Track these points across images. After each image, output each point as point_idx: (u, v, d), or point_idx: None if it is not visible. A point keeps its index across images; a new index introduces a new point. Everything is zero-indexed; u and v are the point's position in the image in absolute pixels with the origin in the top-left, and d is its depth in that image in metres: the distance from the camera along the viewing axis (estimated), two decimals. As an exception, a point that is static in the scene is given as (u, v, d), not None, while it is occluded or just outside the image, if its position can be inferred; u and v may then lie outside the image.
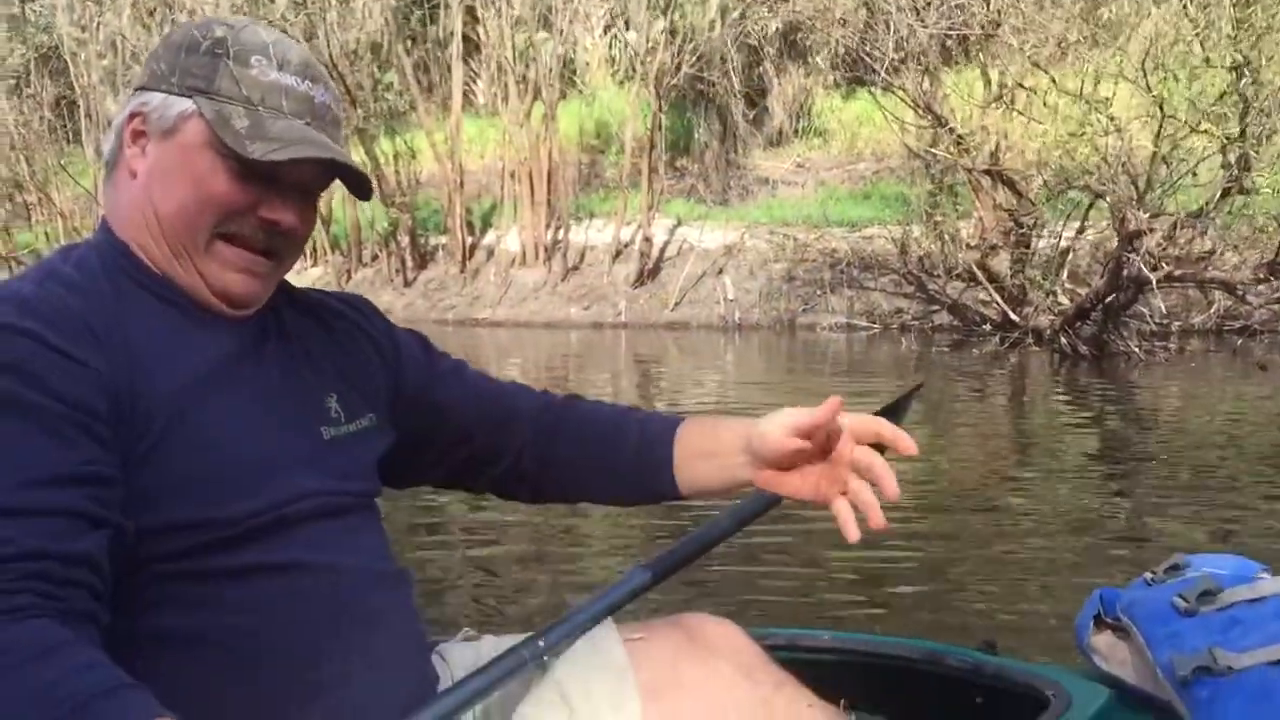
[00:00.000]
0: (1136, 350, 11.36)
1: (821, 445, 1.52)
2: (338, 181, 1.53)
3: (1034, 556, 4.42)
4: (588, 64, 19.87)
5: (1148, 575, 1.57)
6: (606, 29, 19.74)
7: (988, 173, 12.94)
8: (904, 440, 1.49)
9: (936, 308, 14.04)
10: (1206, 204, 10.82)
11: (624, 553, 4.38)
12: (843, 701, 1.65)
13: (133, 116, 1.45)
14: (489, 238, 17.68)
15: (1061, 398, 9.63)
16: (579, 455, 1.71)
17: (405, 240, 17.56)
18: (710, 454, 1.62)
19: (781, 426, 1.51)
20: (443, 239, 17.81)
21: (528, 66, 16.99)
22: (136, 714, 1.15)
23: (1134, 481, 6.04)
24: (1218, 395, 9.70)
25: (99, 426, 1.31)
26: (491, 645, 1.63)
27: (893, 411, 2.34)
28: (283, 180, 1.44)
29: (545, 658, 1.63)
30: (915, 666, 1.77)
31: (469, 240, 17.44)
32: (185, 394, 1.39)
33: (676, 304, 15.68)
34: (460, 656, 1.63)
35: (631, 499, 1.77)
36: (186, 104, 1.42)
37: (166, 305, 1.44)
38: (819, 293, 14.96)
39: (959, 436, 7.49)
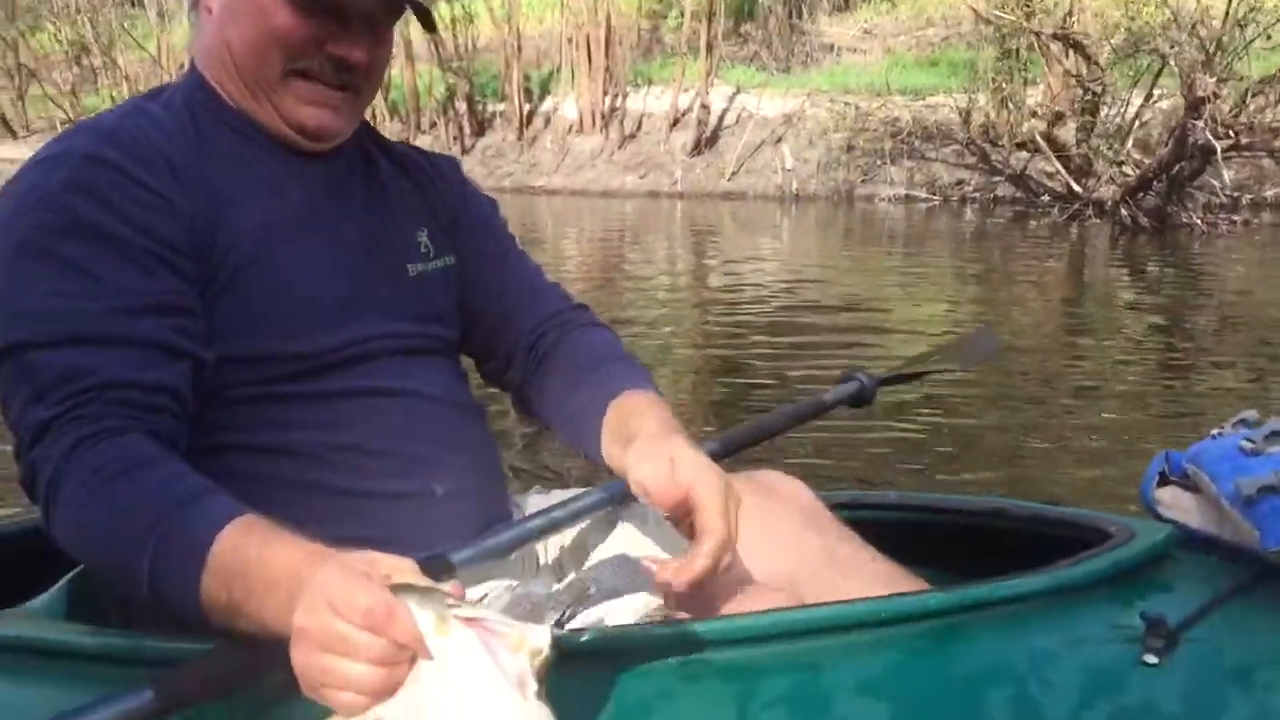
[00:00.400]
0: (1199, 222, 11.16)
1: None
2: (399, 42, 1.51)
3: (1098, 424, 4.41)
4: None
5: (1214, 430, 1.57)
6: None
7: (1056, 37, 12.62)
8: (694, 562, 1.29)
9: (998, 179, 13.83)
10: (1281, 69, 10.53)
11: (692, 425, 4.42)
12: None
13: None
14: (546, 105, 17.55)
15: (1122, 270, 9.52)
16: (548, 390, 1.62)
17: (463, 107, 17.47)
18: (625, 444, 1.46)
19: (633, 481, 1.38)
20: (500, 106, 17.70)
21: (587, -74, 16.70)
22: (220, 515, 1.17)
23: (1196, 352, 5.99)
24: (1284, 268, 9.55)
25: (180, 260, 1.33)
26: (564, 497, 1.66)
27: (951, 353, 2.33)
28: (347, 13, 1.43)
29: (618, 507, 1.67)
30: (979, 521, 1.78)
31: (526, 107, 17.32)
32: (263, 232, 1.40)
33: (733, 174, 15.55)
34: (534, 503, 1.67)
35: (581, 453, 1.62)
36: None
37: (246, 141, 1.45)
38: (879, 163, 14.76)
39: (1018, 308, 7.44)
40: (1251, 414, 1.56)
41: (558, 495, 1.69)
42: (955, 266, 9.73)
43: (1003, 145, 13.40)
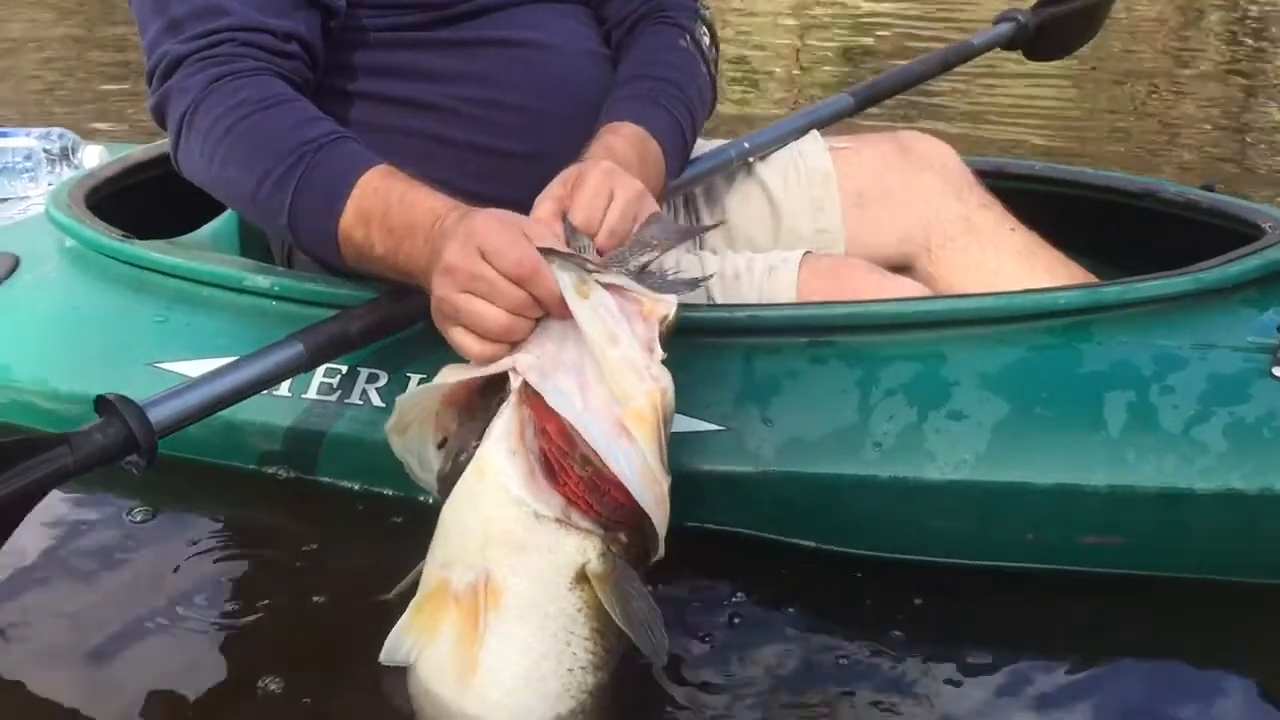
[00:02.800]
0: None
1: None
2: None
3: (1248, 118, 4.18)
4: None
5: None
6: None
7: None
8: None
9: None
10: None
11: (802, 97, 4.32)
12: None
13: None
14: None
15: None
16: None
17: None
18: None
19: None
20: None
21: None
22: (361, 159, 1.21)
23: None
24: None
25: None
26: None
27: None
28: None
29: (751, 159, 1.65)
30: (1126, 200, 1.72)
31: None
32: None
33: None
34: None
35: None
36: None
37: None
38: None
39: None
40: None
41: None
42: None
43: None
